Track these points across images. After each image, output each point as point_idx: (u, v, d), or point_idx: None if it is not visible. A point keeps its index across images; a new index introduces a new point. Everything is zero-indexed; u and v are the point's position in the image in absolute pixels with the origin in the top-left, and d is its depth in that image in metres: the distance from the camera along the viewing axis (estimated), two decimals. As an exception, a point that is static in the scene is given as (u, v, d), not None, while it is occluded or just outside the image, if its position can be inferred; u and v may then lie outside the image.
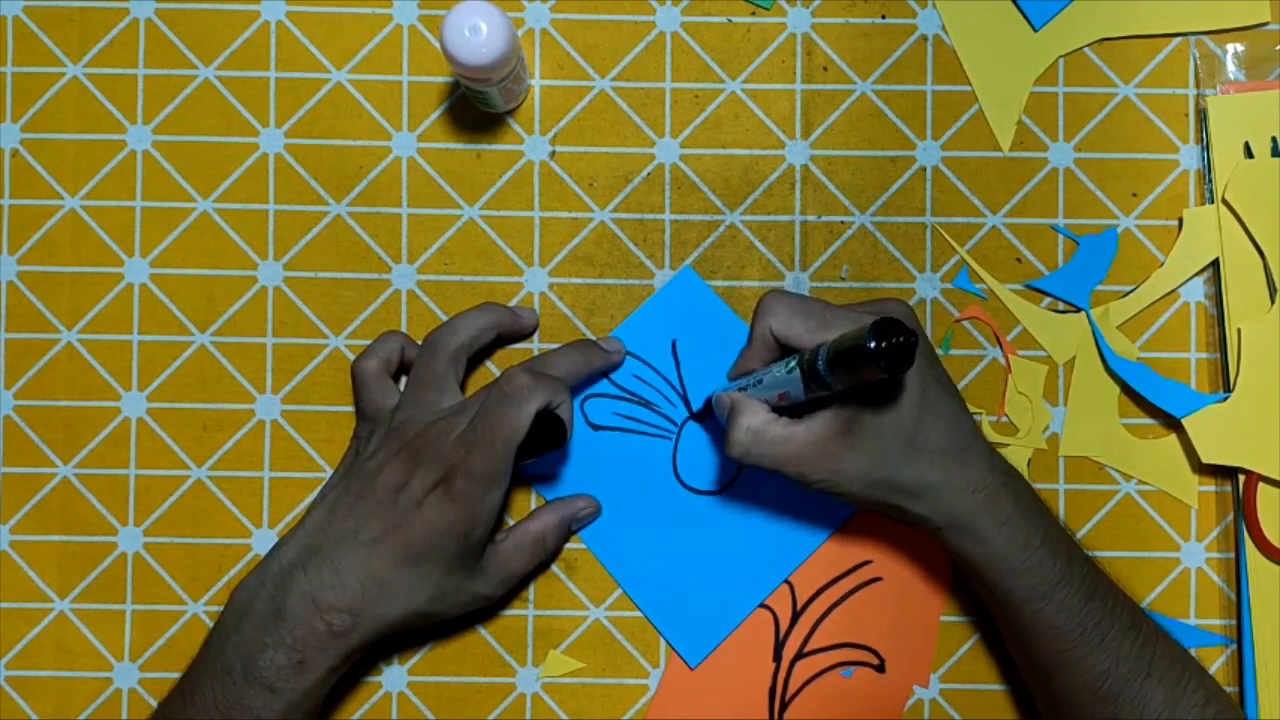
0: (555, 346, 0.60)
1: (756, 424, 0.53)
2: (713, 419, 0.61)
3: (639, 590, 0.61)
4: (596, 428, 0.61)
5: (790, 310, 0.54)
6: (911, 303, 0.62)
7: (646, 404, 0.61)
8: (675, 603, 0.61)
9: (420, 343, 0.59)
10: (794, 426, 0.53)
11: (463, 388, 0.59)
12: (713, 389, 0.61)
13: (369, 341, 0.60)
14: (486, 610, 0.60)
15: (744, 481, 0.61)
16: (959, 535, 0.54)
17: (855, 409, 0.53)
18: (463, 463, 0.54)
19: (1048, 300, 0.62)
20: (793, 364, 0.52)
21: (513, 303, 0.62)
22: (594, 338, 0.62)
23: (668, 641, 0.61)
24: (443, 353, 0.58)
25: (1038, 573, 0.54)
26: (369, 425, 0.59)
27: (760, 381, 0.54)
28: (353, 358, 0.60)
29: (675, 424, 0.61)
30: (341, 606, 0.53)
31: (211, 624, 0.56)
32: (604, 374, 0.61)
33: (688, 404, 0.62)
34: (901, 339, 0.46)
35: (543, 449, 0.56)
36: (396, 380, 0.60)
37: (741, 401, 0.54)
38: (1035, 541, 0.54)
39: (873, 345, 0.46)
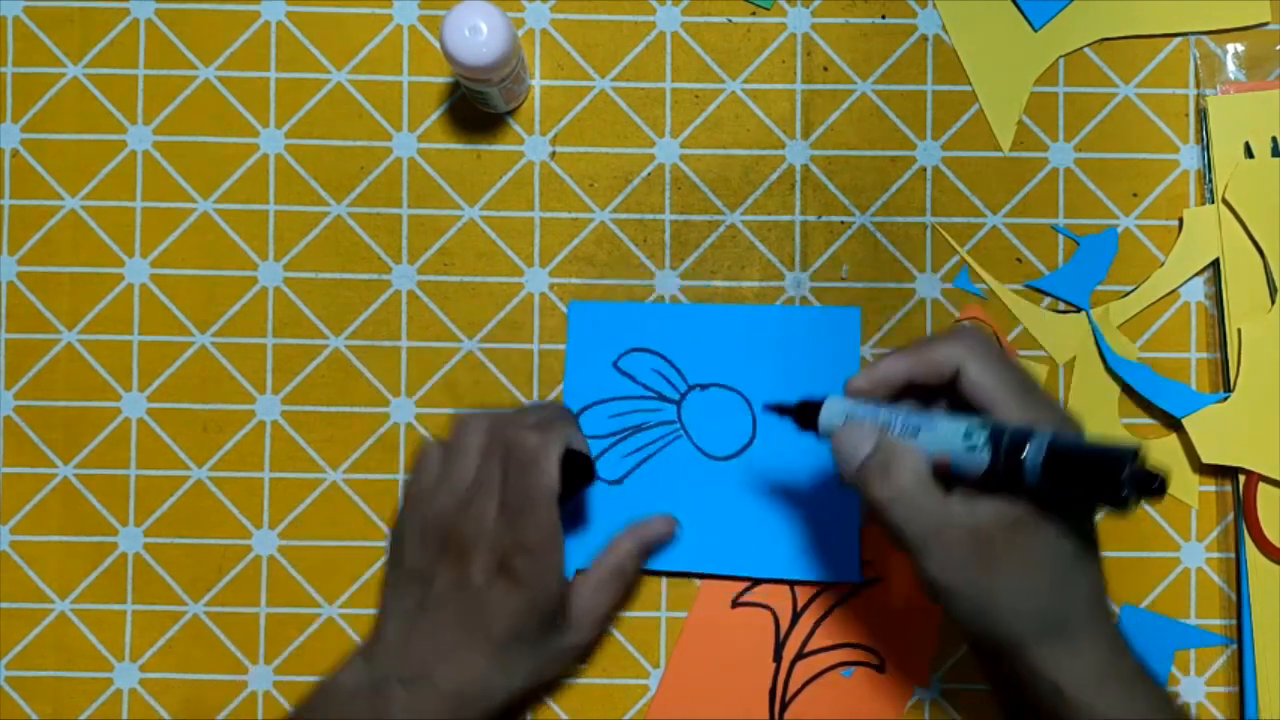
0: (558, 347, 0.61)
1: (908, 485, 0.46)
2: (786, 419, 0.54)
3: (738, 564, 0.60)
4: (612, 482, 0.61)
5: (992, 370, 0.46)
6: (911, 303, 0.62)
7: (638, 429, 0.61)
8: (790, 554, 0.60)
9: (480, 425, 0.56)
10: (952, 504, 0.46)
11: None
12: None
13: (369, 341, 0.60)
14: (584, 653, 0.60)
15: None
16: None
17: (1026, 506, 0.45)
18: (514, 542, 0.53)
19: (1048, 300, 0.62)
20: (977, 439, 0.45)
21: (512, 303, 0.62)
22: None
23: (814, 582, 0.60)
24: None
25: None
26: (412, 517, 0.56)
27: (916, 430, 0.47)
28: (353, 359, 0.61)
29: (675, 421, 0.61)
30: (449, 716, 0.53)
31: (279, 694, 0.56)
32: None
33: (678, 407, 0.61)
34: (1158, 483, 0.41)
35: (578, 487, 0.56)
36: None
37: (898, 449, 0.47)
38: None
39: (1128, 473, 0.40)
